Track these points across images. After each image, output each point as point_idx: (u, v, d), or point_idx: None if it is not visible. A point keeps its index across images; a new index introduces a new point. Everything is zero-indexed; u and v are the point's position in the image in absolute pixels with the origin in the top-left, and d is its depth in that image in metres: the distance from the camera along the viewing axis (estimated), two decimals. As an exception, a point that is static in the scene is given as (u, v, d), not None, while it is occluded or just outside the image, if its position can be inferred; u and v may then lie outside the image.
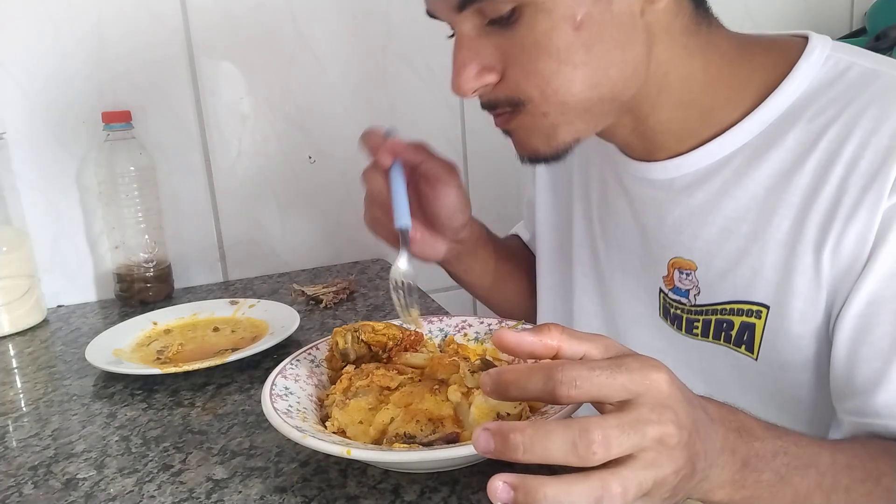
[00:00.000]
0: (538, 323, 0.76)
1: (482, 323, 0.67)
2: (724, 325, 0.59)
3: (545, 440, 0.33)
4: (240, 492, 0.50)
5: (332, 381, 0.58)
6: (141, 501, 0.50)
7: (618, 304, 0.70)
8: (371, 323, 0.60)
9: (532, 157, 0.58)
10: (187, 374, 0.70)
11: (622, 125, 0.60)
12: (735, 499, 0.41)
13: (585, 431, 0.33)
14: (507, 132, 0.58)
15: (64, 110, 0.97)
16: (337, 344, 0.59)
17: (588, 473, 0.33)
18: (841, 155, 0.52)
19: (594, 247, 0.73)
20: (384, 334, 0.59)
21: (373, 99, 1.11)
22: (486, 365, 0.56)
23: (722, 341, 0.60)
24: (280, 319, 0.81)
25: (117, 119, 0.94)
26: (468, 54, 0.55)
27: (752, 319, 0.57)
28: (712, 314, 0.60)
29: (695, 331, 0.62)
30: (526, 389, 0.36)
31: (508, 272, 0.81)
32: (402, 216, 0.61)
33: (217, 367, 0.70)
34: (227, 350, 0.75)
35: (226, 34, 1.03)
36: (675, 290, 0.63)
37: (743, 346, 0.59)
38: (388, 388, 0.54)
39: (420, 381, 0.56)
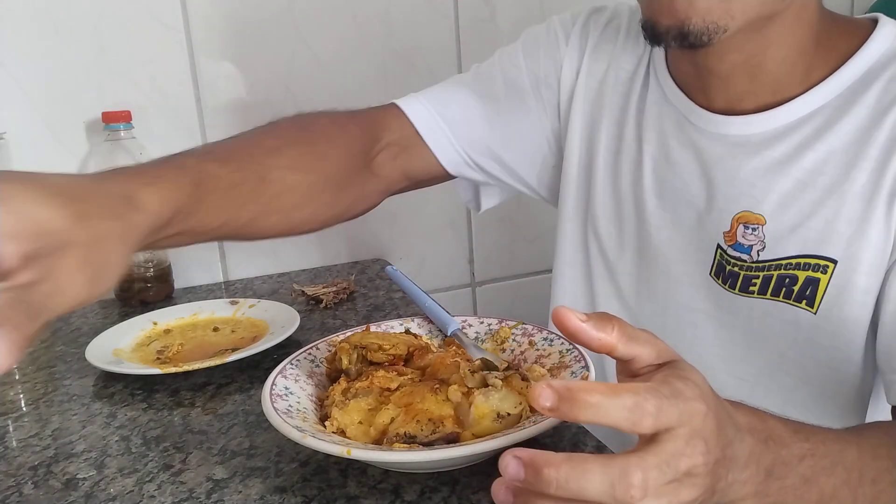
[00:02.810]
0: (555, 273, 0.79)
1: (482, 323, 0.67)
2: (787, 280, 0.60)
3: (581, 479, 0.32)
4: (240, 492, 0.50)
5: (332, 382, 0.58)
6: (141, 501, 0.50)
7: (660, 262, 0.69)
8: (377, 338, 0.60)
9: (678, 27, 0.54)
10: (187, 374, 0.70)
11: (742, 50, 0.58)
12: None
13: (625, 474, 0.32)
14: None
15: (64, 110, 0.97)
16: (340, 360, 0.58)
17: None
18: None
19: (640, 199, 0.70)
20: (391, 354, 0.59)
21: (373, 99, 1.11)
22: (487, 365, 0.56)
23: (781, 297, 0.60)
24: (280, 319, 0.81)
25: (118, 119, 0.94)
26: None
27: (818, 274, 0.58)
28: (775, 269, 0.61)
29: (751, 288, 0.62)
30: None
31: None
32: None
33: (217, 367, 0.70)
34: (227, 350, 0.75)
35: (226, 34, 1.03)
36: (737, 245, 0.62)
37: (804, 301, 0.59)
38: (388, 389, 0.54)
39: (420, 381, 0.56)
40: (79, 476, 0.54)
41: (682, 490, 0.34)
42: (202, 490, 0.51)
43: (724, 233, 0.63)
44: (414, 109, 0.74)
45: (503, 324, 0.65)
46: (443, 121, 0.75)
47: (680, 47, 0.56)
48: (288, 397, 0.54)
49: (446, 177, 0.79)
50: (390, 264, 1.03)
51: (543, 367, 0.58)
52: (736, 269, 0.63)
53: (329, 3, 1.06)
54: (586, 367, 0.54)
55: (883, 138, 0.56)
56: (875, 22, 0.61)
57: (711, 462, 0.35)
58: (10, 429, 0.63)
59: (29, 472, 0.55)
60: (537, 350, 0.61)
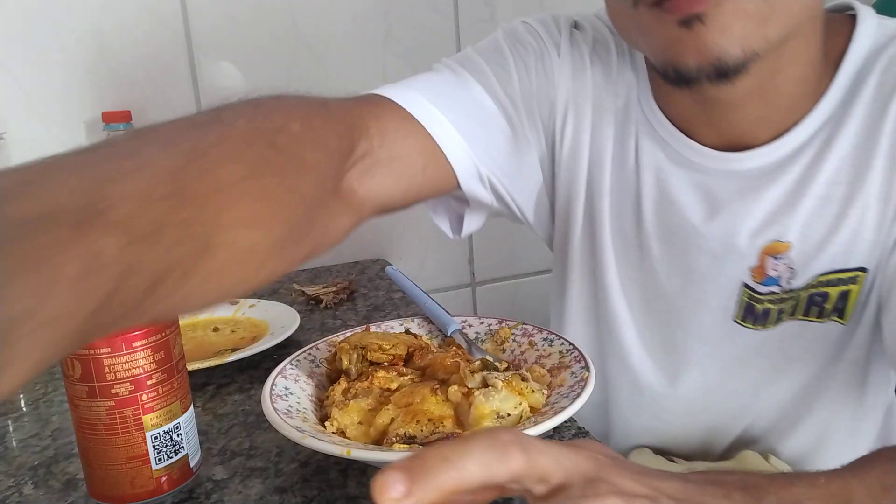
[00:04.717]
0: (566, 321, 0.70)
1: (482, 323, 0.67)
2: (818, 299, 0.58)
3: None
4: (240, 492, 0.50)
5: (332, 382, 0.58)
6: (141, 502, 0.50)
7: (674, 315, 0.63)
8: (378, 338, 0.60)
9: (713, 62, 0.48)
10: (187, 373, 0.70)
11: (758, 74, 0.52)
12: None
13: None
14: (692, 19, 0.48)
15: (64, 110, 0.97)
16: (340, 360, 0.58)
17: None
18: None
19: (644, 246, 0.63)
20: (391, 353, 0.59)
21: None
22: (487, 366, 0.56)
23: (812, 317, 0.59)
24: (280, 319, 0.81)
25: (117, 119, 0.94)
26: None
27: (849, 286, 0.57)
28: (805, 291, 0.58)
29: (782, 315, 0.59)
30: None
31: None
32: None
33: (217, 367, 0.70)
34: (227, 350, 0.75)
35: (226, 34, 1.03)
36: (767, 280, 0.58)
37: (834, 315, 0.58)
38: (388, 390, 0.54)
39: (420, 381, 0.56)
40: (78, 476, 0.54)
41: None
42: (202, 490, 0.51)
43: (751, 269, 0.59)
44: (421, 107, 0.56)
45: (503, 324, 0.65)
46: (450, 122, 0.57)
47: (714, 84, 0.50)
48: (288, 397, 0.54)
49: (436, 194, 0.62)
50: (390, 264, 1.03)
51: (543, 368, 0.58)
52: (767, 304, 0.59)
53: (329, 3, 1.06)
54: (586, 367, 0.54)
55: (889, 130, 0.53)
56: (845, 10, 0.58)
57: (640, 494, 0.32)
58: (10, 429, 0.63)
59: (29, 473, 0.55)
60: (537, 350, 0.61)
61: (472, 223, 0.68)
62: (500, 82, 0.61)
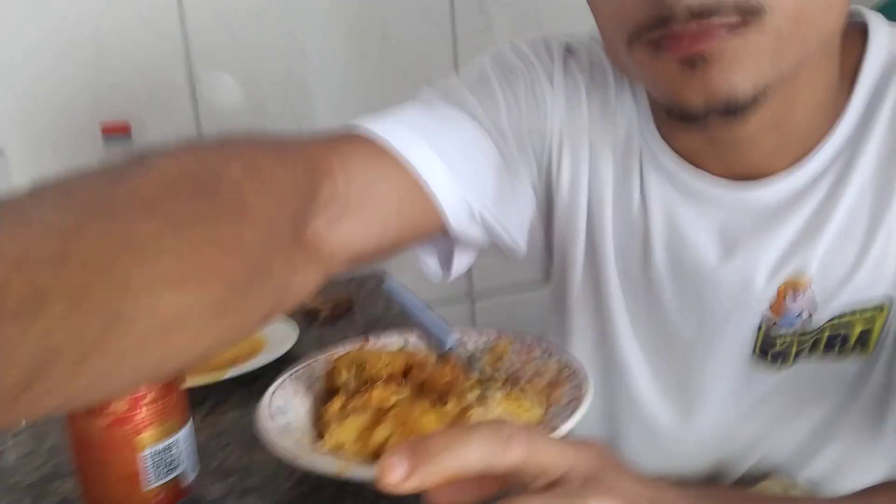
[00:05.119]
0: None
1: (480, 336, 0.66)
2: (840, 337, 0.55)
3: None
4: (236, 510, 0.50)
5: (330, 397, 0.58)
6: (137, 521, 0.50)
7: (689, 359, 0.60)
8: (375, 353, 0.59)
9: (722, 101, 0.44)
10: (184, 390, 0.70)
11: (772, 105, 0.47)
12: None
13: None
14: (696, 58, 0.43)
15: (63, 123, 0.97)
16: (337, 376, 0.58)
17: None
18: None
19: (654, 287, 0.59)
20: (389, 369, 0.58)
21: (370, 110, 1.11)
22: (485, 379, 0.56)
23: (832, 354, 0.56)
24: (277, 334, 0.81)
25: (117, 131, 0.94)
26: None
27: (873, 319, 0.54)
28: (827, 327, 0.55)
29: (801, 354, 0.56)
30: None
31: None
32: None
33: (214, 383, 0.70)
34: (224, 366, 0.74)
35: (224, 46, 1.03)
36: (786, 319, 0.55)
37: (856, 350, 0.55)
38: (386, 406, 0.54)
39: (418, 396, 0.55)
40: (74, 495, 0.53)
41: None
42: (198, 509, 0.50)
43: (770, 306, 0.55)
44: (405, 140, 0.51)
45: (501, 337, 0.65)
46: (437, 155, 0.52)
47: (724, 120, 0.46)
48: (286, 413, 0.54)
49: (416, 238, 0.56)
50: (388, 276, 1.03)
51: (542, 381, 0.57)
52: (786, 343, 0.56)
53: (326, 15, 1.07)
54: (585, 380, 0.54)
55: None
56: (857, 21, 0.54)
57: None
58: (9, 444, 0.63)
59: (26, 491, 0.55)
60: (535, 363, 0.61)
61: (461, 262, 0.62)
62: (486, 113, 0.56)
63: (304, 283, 0.43)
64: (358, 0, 1.08)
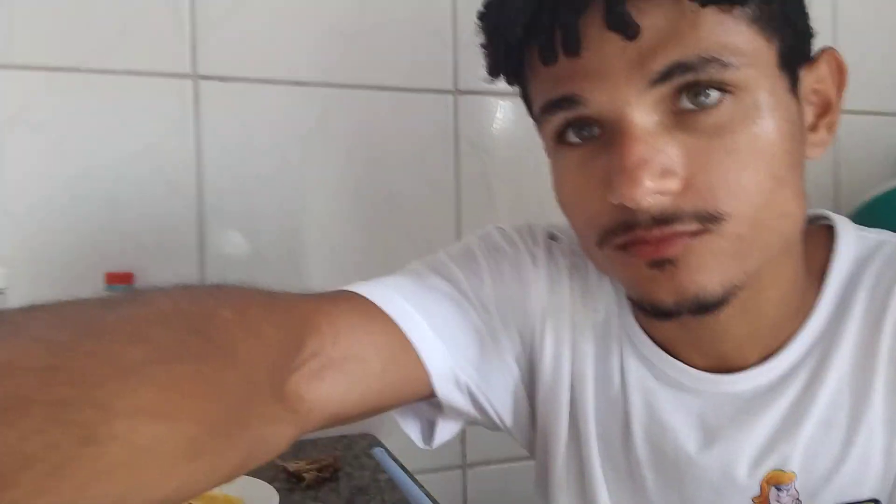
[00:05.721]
0: None
1: None
2: None
3: None
4: None
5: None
6: None
7: None
8: None
9: (692, 300, 0.45)
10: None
11: (740, 297, 0.48)
12: None
13: None
14: (663, 261, 0.45)
15: (68, 270, 0.98)
16: None
17: None
18: None
19: (636, 474, 0.58)
20: None
21: (373, 273, 1.14)
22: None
23: None
24: (257, 498, 0.76)
25: (120, 280, 0.95)
26: (647, 149, 0.43)
27: None
28: None
29: None
30: None
31: None
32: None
33: (183, 550, 0.65)
34: (196, 531, 0.70)
35: (237, 205, 1.07)
36: None
37: None
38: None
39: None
40: None
41: None
42: None
43: (754, 500, 0.54)
44: (395, 305, 0.53)
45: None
46: (426, 322, 0.54)
47: (695, 316, 0.47)
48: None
49: (398, 402, 0.56)
50: (378, 440, 0.99)
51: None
52: None
53: (336, 180, 1.12)
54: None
55: (886, 347, 0.51)
56: (820, 221, 0.57)
57: None
58: None
59: None
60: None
61: (444, 432, 0.62)
62: (472, 287, 0.58)
63: (280, 436, 0.42)
64: (367, 169, 1.13)
